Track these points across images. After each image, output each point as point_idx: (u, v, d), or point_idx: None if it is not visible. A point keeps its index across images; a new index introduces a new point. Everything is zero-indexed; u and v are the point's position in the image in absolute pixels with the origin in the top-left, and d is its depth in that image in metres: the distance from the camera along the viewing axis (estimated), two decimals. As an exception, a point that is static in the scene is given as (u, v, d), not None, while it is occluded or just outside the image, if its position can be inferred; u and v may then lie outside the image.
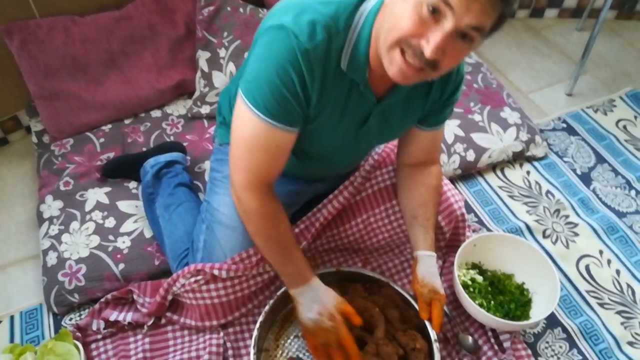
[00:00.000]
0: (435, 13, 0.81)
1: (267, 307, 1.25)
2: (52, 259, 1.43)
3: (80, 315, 1.39)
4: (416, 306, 1.22)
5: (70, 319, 1.38)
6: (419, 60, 0.86)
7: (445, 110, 1.19)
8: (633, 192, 1.68)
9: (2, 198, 1.67)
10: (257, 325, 1.22)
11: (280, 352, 1.28)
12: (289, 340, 1.29)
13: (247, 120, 1.02)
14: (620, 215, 1.61)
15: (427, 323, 1.20)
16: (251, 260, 1.26)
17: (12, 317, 1.39)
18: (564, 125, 1.88)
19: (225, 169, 1.34)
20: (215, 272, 1.23)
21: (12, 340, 1.35)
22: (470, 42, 0.85)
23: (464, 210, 1.40)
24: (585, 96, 2.01)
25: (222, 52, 1.76)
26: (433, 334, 1.19)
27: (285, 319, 1.32)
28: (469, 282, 1.35)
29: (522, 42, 2.19)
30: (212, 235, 1.29)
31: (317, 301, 1.13)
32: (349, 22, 0.96)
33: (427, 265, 1.23)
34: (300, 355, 1.27)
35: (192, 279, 1.24)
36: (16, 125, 1.82)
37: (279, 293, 1.27)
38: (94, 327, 1.32)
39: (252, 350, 1.18)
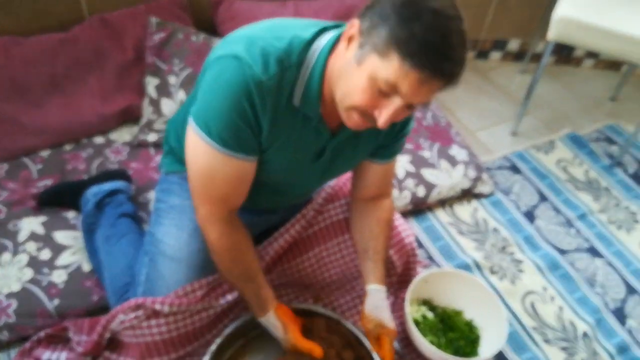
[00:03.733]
0: (387, 94, 0.88)
1: (214, 347, 1.19)
2: (-22, 293, 1.32)
3: (9, 355, 1.29)
4: (366, 344, 1.20)
5: (-3, 360, 1.28)
6: (372, 123, 0.94)
7: (396, 144, 1.20)
8: (573, 231, 1.74)
9: None
10: (203, 366, 1.17)
11: (225, 394, 1.22)
12: (235, 382, 1.24)
13: (202, 150, 1.00)
14: (562, 252, 1.67)
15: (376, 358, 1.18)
16: (196, 294, 1.21)
17: None
18: (509, 164, 1.94)
19: (170, 198, 1.29)
20: (157, 306, 1.17)
21: None
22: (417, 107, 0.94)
23: (414, 244, 1.41)
24: (528, 136, 2.09)
25: (172, 80, 1.72)
26: (384, 373, 1.17)
27: (233, 359, 1.27)
28: (420, 319, 1.35)
29: (469, 82, 2.28)
30: (154, 268, 1.23)
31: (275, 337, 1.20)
32: (301, 58, 0.96)
33: (375, 299, 1.22)
34: (246, 398, 1.22)
35: (132, 315, 1.17)
36: (-56, 148, 1.69)
37: (226, 332, 1.22)
38: (24, 368, 1.22)
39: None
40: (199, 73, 1.04)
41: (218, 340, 1.20)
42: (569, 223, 1.76)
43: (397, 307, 1.42)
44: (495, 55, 2.43)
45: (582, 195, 1.86)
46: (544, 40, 1.88)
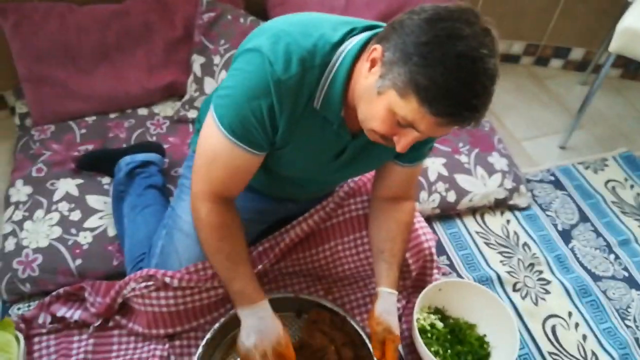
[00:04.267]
0: (405, 126, 0.88)
1: (217, 325, 1.21)
2: (10, 244, 1.40)
3: (29, 306, 1.36)
4: (369, 345, 1.18)
5: (19, 309, 1.36)
6: (392, 144, 0.94)
7: (424, 147, 1.16)
8: (612, 257, 1.63)
9: (-27, 176, 1.65)
10: (204, 342, 1.19)
11: (224, 372, 1.24)
12: (235, 362, 1.26)
13: (212, 133, 1.01)
14: (596, 278, 1.57)
15: None
16: (206, 272, 1.23)
17: (-40, 299, 1.36)
18: (552, 178, 1.84)
19: (194, 176, 1.31)
20: (167, 279, 1.20)
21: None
22: None
23: (433, 250, 1.37)
24: (579, 151, 1.97)
25: (216, 59, 1.74)
26: (383, 376, 1.15)
27: (235, 339, 1.28)
28: (428, 327, 1.31)
29: (523, 88, 2.16)
30: (170, 242, 1.27)
31: (257, 332, 1.07)
32: (325, 60, 0.94)
33: (386, 302, 1.19)
34: (243, 379, 1.23)
35: (143, 284, 1.21)
36: (1, 104, 1.81)
37: (232, 312, 1.23)
38: (40, 321, 1.29)
39: (192, 368, 1.15)
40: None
41: (222, 320, 1.22)
42: (608, 248, 1.65)
43: (407, 312, 1.39)
44: (556, 63, 2.29)
45: (628, 220, 1.74)
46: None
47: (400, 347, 1.31)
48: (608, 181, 1.86)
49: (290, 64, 0.91)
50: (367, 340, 1.20)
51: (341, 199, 1.38)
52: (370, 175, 1.37)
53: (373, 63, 0.88)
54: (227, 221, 1.08)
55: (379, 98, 0.87)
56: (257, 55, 0.92)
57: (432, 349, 1.26)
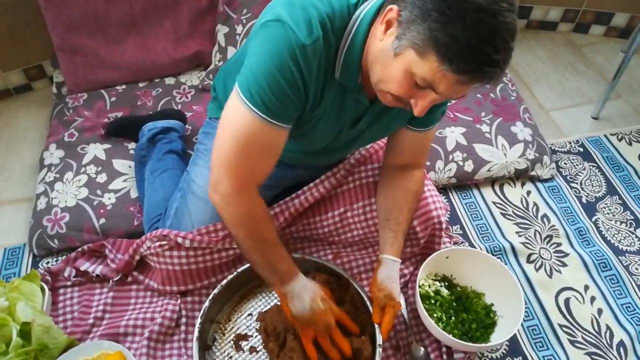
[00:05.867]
0: (423, 87, 0.86)
1: (224, 282, 1.27)
2: (42, 203, 1.50)
3: (56, 261, 1.46)
4: (370, 308, 1.21)
5: (47, 263, 1.46)
6: (407, 106, 0.93)
7: (436, 111, 1.15)
8: (639, 231, 1.56)
9: (14, 140, 1.77)
10: (210, 296, 1.25)
11: (230, 326, 1.29)
12: (241, 317, 1.31)
13: (241, 118, 0.96)
14: (618, 252, 1.51)
15: (377, 327, 1.18)
16: (217, 234, 1.28)
17: (-4, 251, 1.48)
18: (581, 149, 1.77)
19: (209, 142, 1.35)
20: (179, 239, 1.26)
21: (-10, 272, 1.44)
22: None
23: (442, 218, 1.35)
24: (613, 122, 1.88)
25: (239, 29, 1.77)
26: (379, 338, 1.17)
27: (244, 296, 1.34)
28: (432, 294, 1.31)
29: (557, 56, 2.07)
30: (184, 204, 1.32)
31: (307, 290, 1.11)
32: (343, 24, 0.93)
33: (389, 270, 1.21)
34: (248, 333, 1.28)
35: (157, 243, 1.28)
36: (40, 74, 1.92)
37: (239, 269, 1.29)
38: (66, 274, 1.38)
39: (198, 320, 1.21)
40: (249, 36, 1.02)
41: (229, 277, 1.28)
42: (636, 222, 1.58)
43: (414, 278, 1.40)
44: (597, 29, 2.17)
45: (662, 194, 1.66)
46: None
47: (404, 313, 1.33)
48: (643, 153, 1.77)
49: (312, 28, 0.90)
50: (368, 303, 1.22)
51: (352, 166, 1.39)
52: (382, 143, 1.38)
53: (388, 25, 0.87)
54: (264, 211, 1.07)
55: (396, 60, 0.86)
56: (278, 25, 0.90)
57: (435, 315, 1.27)
